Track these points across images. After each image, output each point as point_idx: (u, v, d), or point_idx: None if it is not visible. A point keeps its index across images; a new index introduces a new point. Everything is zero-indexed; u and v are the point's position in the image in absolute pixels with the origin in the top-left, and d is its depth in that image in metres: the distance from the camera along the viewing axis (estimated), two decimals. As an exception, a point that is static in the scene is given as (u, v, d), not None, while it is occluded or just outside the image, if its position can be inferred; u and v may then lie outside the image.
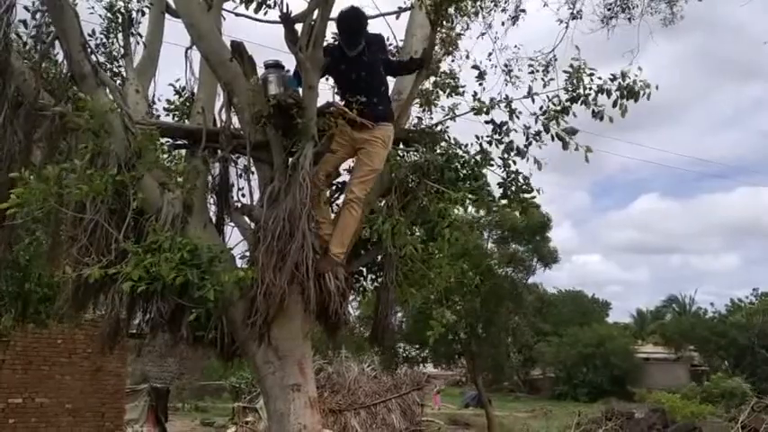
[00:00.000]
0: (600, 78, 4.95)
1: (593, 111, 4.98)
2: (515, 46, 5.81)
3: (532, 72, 5.24)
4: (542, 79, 5.11)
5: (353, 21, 4.60)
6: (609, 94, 4.93)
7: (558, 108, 5.07)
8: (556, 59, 5.67)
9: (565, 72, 5.04)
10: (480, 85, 5.35)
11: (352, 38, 4.60)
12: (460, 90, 5.60)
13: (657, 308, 49.39)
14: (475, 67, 5.41)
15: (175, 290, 4.13)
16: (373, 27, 5.01)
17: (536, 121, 5.08)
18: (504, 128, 5.15)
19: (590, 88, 4.99)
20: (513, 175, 5.17)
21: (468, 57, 5.72)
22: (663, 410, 16.39)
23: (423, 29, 5.29)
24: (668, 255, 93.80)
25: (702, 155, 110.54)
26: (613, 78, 4.91)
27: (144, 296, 4.20)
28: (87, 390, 13.83)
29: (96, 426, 13.89)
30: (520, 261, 18.50)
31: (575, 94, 5.03)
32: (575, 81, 5.01)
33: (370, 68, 4.72)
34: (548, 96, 5.09)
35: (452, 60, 5.84)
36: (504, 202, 5.24)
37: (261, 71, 4.66)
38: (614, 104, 4.91)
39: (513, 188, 5.18)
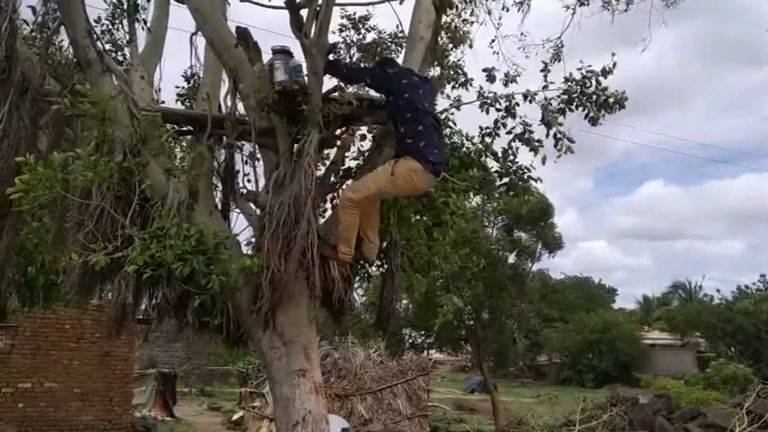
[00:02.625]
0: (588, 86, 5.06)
1: (587, 114, 5.07)
2: (522, 34, 5.77)
3: (544, 70, 5.29)
4: (545, 78, 5.18)
5: None
6: (593, 103, 5.07)
7: (558, 107, 5.14)
8: (563, 46, 5.65)
9: (566, 80, 5.15)
10: (492, 83, 5.39)
11: None
12: (468, 82, 5.65)
13: (664, 294, 49.39)
14: (485, 70, 5.42)
15: (181, 276, 4.15)
16: (379, 13, 5.02)
17: (542, 119, 5.12)
18: (506, 119, 5.18)
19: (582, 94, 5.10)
20: (511, 166, 5.23)
21: (471, 46, 5.74)
22: (668, 396, 16.41)
23: (428, 14, 5.27)
24: (673, 241, 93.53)
25: (707, 140, 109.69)
26: (594, 92, 5.06)
27: (150, 282, 4.22)
28: (96, 374, 13.94)
29: (105, 410, 14.00)
30: (524, 248, 18.47)
31: (571, 96, 5.14)
32: (573, 86, 5.11)
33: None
34: (546, 98, 5.16)
35: (461, 52, 5.87)
36: (502, 190, 5.33)
37: (267, 57, 4.65)
38: (585, 116, 5.14)
39: (512, 178, 5.24)
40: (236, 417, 17.37)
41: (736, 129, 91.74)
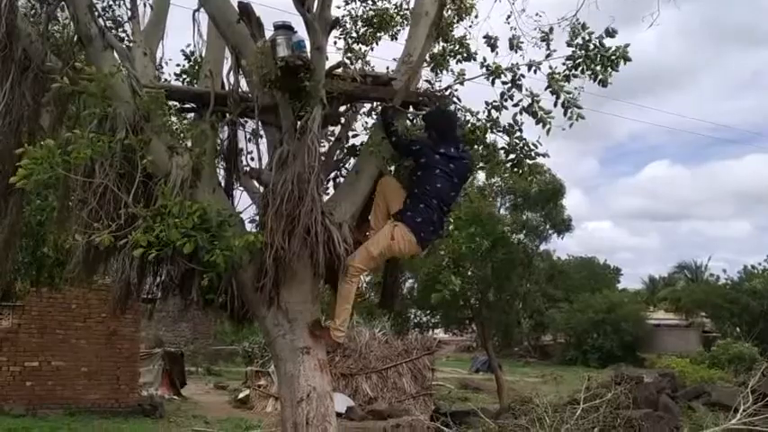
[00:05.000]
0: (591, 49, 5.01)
1: (595, 77, 5.00)
2: (536, 14, 5.62)
3: (545, 39, 5.20)
4: (546, 48, 5.10)
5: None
6: (596, 64, 5.01)
7: (563, 74, 5.05)
8: (581, 24, 5.53)
9: (569, 45, 5.06)
10: (493, 51, 5.30)
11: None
12: (473, 55, 5.58)
13: (669, 274, 49.30)
14: (486, 36, 5.35)
15: (185, 254, 4.13)
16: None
17: (548, 87, 5.02)
18: (512, 90, 5.09)
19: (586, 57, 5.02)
20: (518, 142, 5.15)
21: (476, 17, 5.64)
22: (672, 375, 16.40)
23: (434, -12, 5.18)
24: (679, 221, 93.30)
25: (713, 121, 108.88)
26: (597, 52, 4.99)
27: (154, 260, 4.21)
28: (102, 353, 14.06)
29: (112, 389, 14.13)
30: (532, 228, 18.41)
31: (576, 62, 5.06)
32: (576, 51, 5.05)
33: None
34: (550, 66, 5.09)
35: (469, 26, 5.77)
36: (508, 166, 5.26)
37: (270, 34, 4.60)
38: (594, 79, 5.02)
39: (519, 154, 5.18)
40: (242, 395, 17.49)
41: (741, 110, 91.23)
